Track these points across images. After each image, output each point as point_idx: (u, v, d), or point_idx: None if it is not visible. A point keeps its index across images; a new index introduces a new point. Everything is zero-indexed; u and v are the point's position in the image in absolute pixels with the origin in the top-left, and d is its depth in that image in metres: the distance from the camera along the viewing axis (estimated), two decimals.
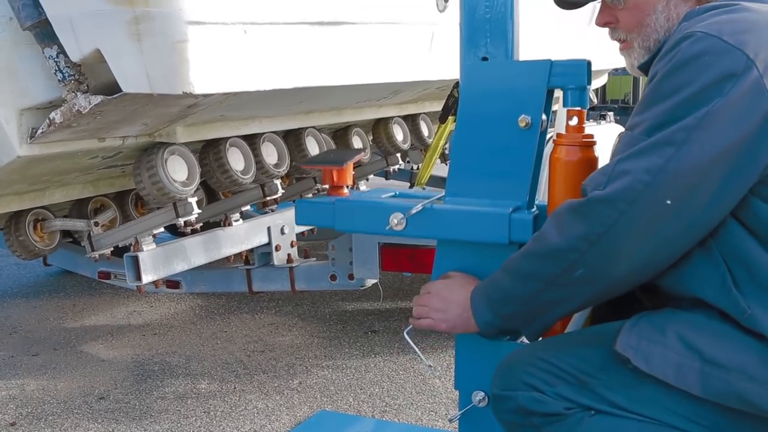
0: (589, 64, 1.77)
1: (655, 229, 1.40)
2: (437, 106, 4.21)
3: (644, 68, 1.62)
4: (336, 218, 1.98)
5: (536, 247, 1.53)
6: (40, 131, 2.18)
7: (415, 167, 4.88)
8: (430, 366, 2.10)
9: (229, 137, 2.99)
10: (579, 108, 1.79)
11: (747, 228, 1.44)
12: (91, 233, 3.03)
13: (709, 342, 1.43)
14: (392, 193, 2.14)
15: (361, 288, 3.58)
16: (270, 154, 3.24)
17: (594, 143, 1.78)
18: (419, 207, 1.83)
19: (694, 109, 1.36)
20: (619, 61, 5.19)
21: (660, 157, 1.37)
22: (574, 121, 1.77)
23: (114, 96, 2.03)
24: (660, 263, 1.46)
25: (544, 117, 1.80)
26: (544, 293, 1.52)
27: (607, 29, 1.71)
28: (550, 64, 1.78)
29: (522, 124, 1.78)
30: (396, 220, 1.86)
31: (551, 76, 1.78)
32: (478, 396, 1.91)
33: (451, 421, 2.04)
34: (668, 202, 1.37)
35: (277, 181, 3.38)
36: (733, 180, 1.39)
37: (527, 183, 1.81)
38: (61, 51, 2.05)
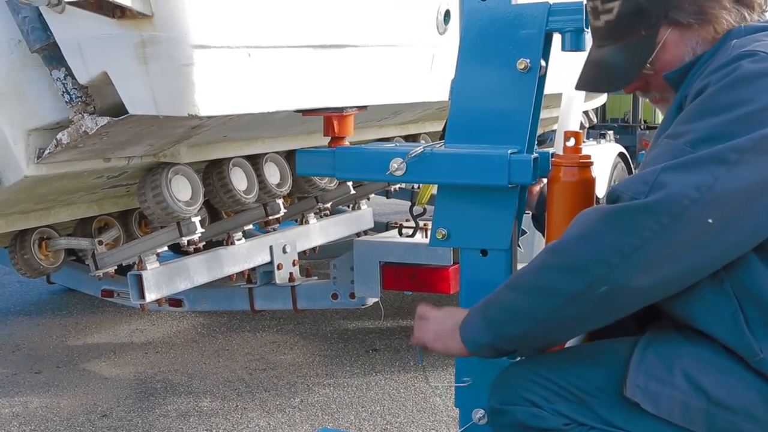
0: (586, 6, 1.76)
1: (691, 247, 1.34)
2: (438, 126, 4.25)
3: (673, 78, 1.57)
4: (337, 166, 2.00)
5: (556, 260, 1.43)
6: (47, 152, 2.21)
7: (416, 187, 4.92)
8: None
9: (232, 157, 3.03)
10: (576, 130, 1.81)
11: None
12: (95, 252, 3.06)
13: (715, 381, 1.43)
14: (392, 145, 2.17)
15: (363, 307, 3.60)
16: (272, 174, 3.27)
17: (591, 164, 1.80)
18: (419, 150, 1.85)
19: (749, 129, 1.32)
20: None
21: (710, 174, 1.31)
22: (572, 142, 1.80)
23: (120, 117, 2.06)
24: (684, 283, 1.41)
25: (543, 63, 1.82)
26: (562, 310, 1.43)
27: None
28: (549, 6, 1.80)
29: (521, 67, 1.80)
30: (396, 165, 1.87)
31: (549, 18, 1.80)
32: (478, 414, 1.92)
33: None
34: (710, 221, 1.31)
35: (280, 201, 3.42)
36: None
37: (526, 126, 1.82)
38: (69, 73, 2.09)
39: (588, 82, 1.69)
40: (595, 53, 1.66)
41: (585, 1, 1.67)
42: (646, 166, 1.42)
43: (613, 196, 1.41)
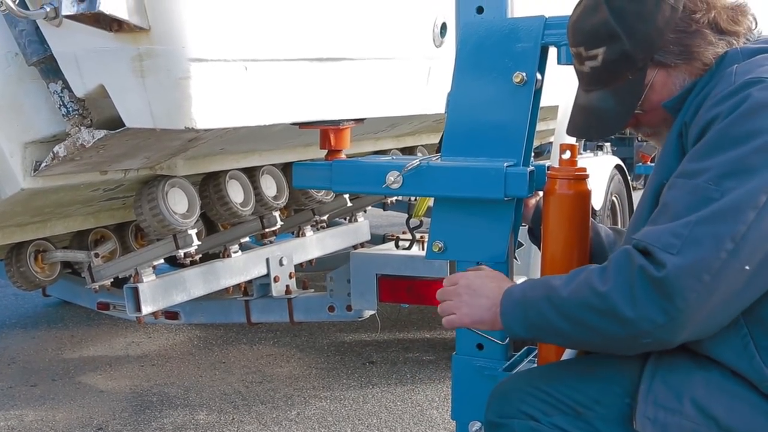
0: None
1: (730, 295, 1.34)
2: (434, 139, 4.27)
3: (671, 105, 1.56)
4: (333, 179, 2.00)
5: (601, 305, 1.39)
6: (43, 164, 2.21)
7: (413, 199, 4.93)
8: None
9: (229, 170, 3.03)
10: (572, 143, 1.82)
11: None
12: (92, 264, 3.06)
13: (725, 408, 1.43)
14: (389, 158, 2.18)
15: (359, 319, 3.60)
16: (269, 186, 3.28)
17: (587, 176, 1.80)
18: (415, 163, 1.86)
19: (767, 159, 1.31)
20: None
21: (742, 222, 1.29)
22: (567, 155, 1.80)
23: (117, 131, 2.06)
24: (720, 326, 1.40)
25: (539, 76, 1.82)
26: (599, 344, 1.46)
27: None
28: (544, 20, 1.80)
29: (516, 80, 1.81)
30: (393, 178, 1.88)
31: (545, 32, 1.80)
32: (475, 426, 1.92)
33: None
34: (747, 267, 1.31)
35: (276, 213, 3.42)
36: None
37: (522, 139, 1.83)
38: (66, 86, 2.09)
39: (581, 129, 1.68)
40: (584, 98, 1.65)
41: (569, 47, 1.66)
42: (667, 207, 1.40)
43: (640, 247, 1.38)
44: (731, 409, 1.42)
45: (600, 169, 4.88)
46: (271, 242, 3.67)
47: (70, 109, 2.12)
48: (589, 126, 1.65)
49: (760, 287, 1.37)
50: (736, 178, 1.32)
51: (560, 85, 2.32)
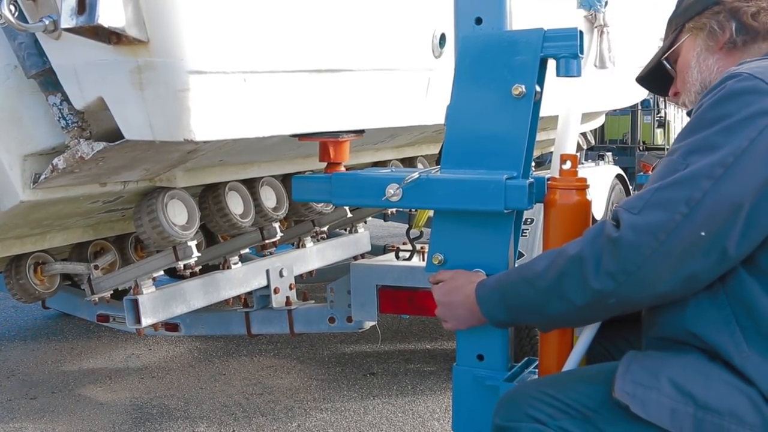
0: (581, 33, 1.80)
1: (688, 259, 1.45)
2: (434, 149, 4.26)
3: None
4: (333, 192, 2.01)
5: (572, 271, 1.53)
6: (43, 177, 2.20)
7: (413, 210, 4.91)
8: None
9: (229, 181, 3.03)
10: (573, 153, 1.82)
11: (756, 277, 1.49)
12: (91, 276, 3.05)
13: (700, 386, 1.47)
14: (388, 170, 2.18)
15: (360, 330, 3.59)
16: (269, 197, 3.27)
17: (587, 186, 1.81)
18: (415, 176, 1.86)
19: (731, 138, 1.44)
20: (617, 103, 5.23)
21: (698, 190, 1.43)
22: (567, 165, 1.81)
23: (116, 143, 2.06)
24: (686, 291, 1.51)
25: (538, 88, 1.83)
26: (573, 313, 1.57)
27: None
28: (543, 33, 1.81)
29: (516, 93, 1.82)
30: (392, 191, 1.88)
31: (544, 44, 1.81)
32: None
33: None
34: (703, 233, 1.43)
35: (276, 225, 3.41)
36: (763, 213, 1.44)
37: (522, 152, 1.83)
38: (65, 99, 2.08)
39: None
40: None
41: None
42: (648, 183, 1.55)
43: (614, 213, 1.52)
44: (707, 386, 1.47)
45: (601, 179, 4.88)
46: (271, 253, 3.66)
47: (69, 122, 2.11)
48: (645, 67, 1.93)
49: (724, 256, 1.46)
50: (699, 154, 1.46)
51: (560, 95, 2.32)
